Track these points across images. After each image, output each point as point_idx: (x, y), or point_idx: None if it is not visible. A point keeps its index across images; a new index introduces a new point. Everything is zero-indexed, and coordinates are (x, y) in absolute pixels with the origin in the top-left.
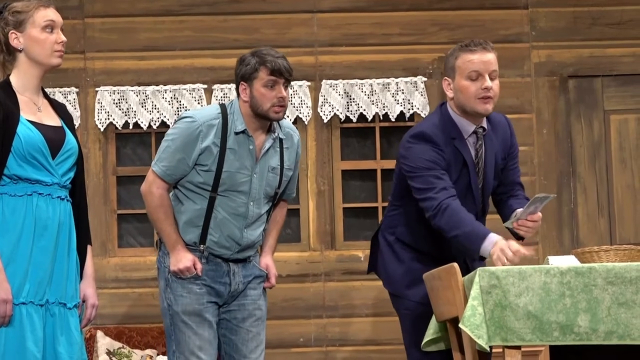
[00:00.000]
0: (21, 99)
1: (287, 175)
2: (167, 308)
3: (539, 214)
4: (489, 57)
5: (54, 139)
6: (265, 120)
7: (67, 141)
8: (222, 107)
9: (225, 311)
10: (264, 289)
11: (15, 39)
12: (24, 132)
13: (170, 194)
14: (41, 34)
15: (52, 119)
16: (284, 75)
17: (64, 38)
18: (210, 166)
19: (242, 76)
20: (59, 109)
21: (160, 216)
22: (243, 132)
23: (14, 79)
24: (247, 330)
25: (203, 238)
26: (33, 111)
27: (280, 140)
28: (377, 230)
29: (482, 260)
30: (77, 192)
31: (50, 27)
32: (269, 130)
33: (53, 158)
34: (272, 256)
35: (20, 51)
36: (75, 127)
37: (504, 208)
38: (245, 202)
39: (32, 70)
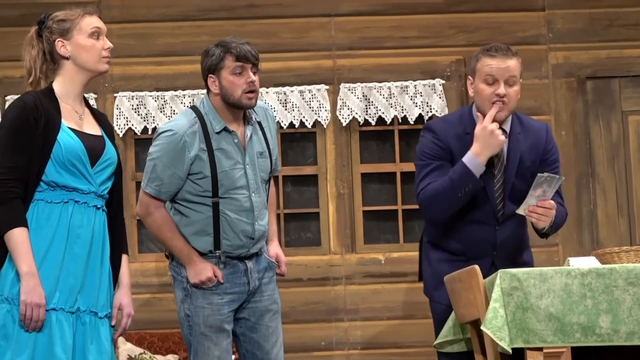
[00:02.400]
0: (63, 106)
1: (275, 153)
2: (186, 318)
3: (551, 201)
4: (508, 64)
5: (93, 147)
6: (239, 110)
7: (106, 151)
8: (195, 109)
9: (243, 309)
10: (276, 281)
11: (62, 47)
12: (65, 139)
13: (170, 210)
14: (88, 41)
15: (93, 128)
16: (250, 60)
17: (110, 44)
18: (204, 172)
19: (209, 68)
20: (100, 118)
21: (166, 234)
22: (224, 129)
23: (57, 86)
24: (266, 326)
25: (217, 244)
26: (74, 119)
27: (259, 122)
28: (422, 235)
29: (512, 264)
30: (113, 202)
31: (96, 33)
32: (245, 117)
33: (92, 167)
34: (278, 242)
35: (67, 59)
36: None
37: None
38: (248, 196)
39: (78, 77)
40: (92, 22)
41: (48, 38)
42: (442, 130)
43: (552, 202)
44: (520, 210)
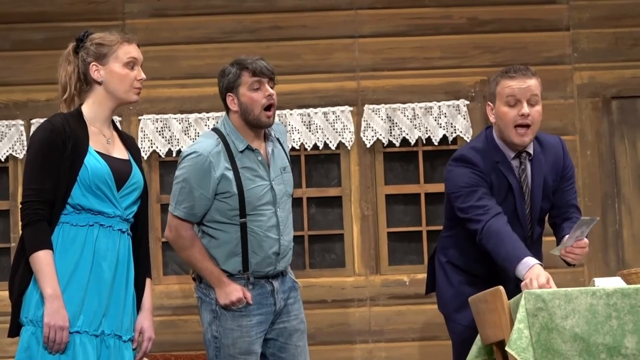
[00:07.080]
0: (91, 129)
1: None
2: (213, 340)
3: (586, 240)
4: (529, 83)
5: (120, 171)
6: (258, 129)
7: (133, 175)
8: (217, 131)
9: (271, 330)
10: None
11: (96, 71)
12: (92, 162)
13: (197, 233)
14: (123, 70)
15: (120, 152)
16: (266, 74)
17: (143, 75)
18: (231, 191)
19: (227, 87)
20: (128, 141)
21: (196, 256)
22: (247, 148)
23: (86, 109)
24: (295, 346)
25: (245, 264)
26: (102, 142)
27: (277, 139)
28: (434, 252)
29: None
30: (139, 226)
31: (132, 63)
32: (265, 134)
33: (118, 190)
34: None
35: (99, 83)
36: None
37: (558, 232)
38: (274, 211)
39: (107, 103)
40: (129, 51)
41: (84, 58)
42: (479, 161)
43: (586, 240)
44: (556, 252)
